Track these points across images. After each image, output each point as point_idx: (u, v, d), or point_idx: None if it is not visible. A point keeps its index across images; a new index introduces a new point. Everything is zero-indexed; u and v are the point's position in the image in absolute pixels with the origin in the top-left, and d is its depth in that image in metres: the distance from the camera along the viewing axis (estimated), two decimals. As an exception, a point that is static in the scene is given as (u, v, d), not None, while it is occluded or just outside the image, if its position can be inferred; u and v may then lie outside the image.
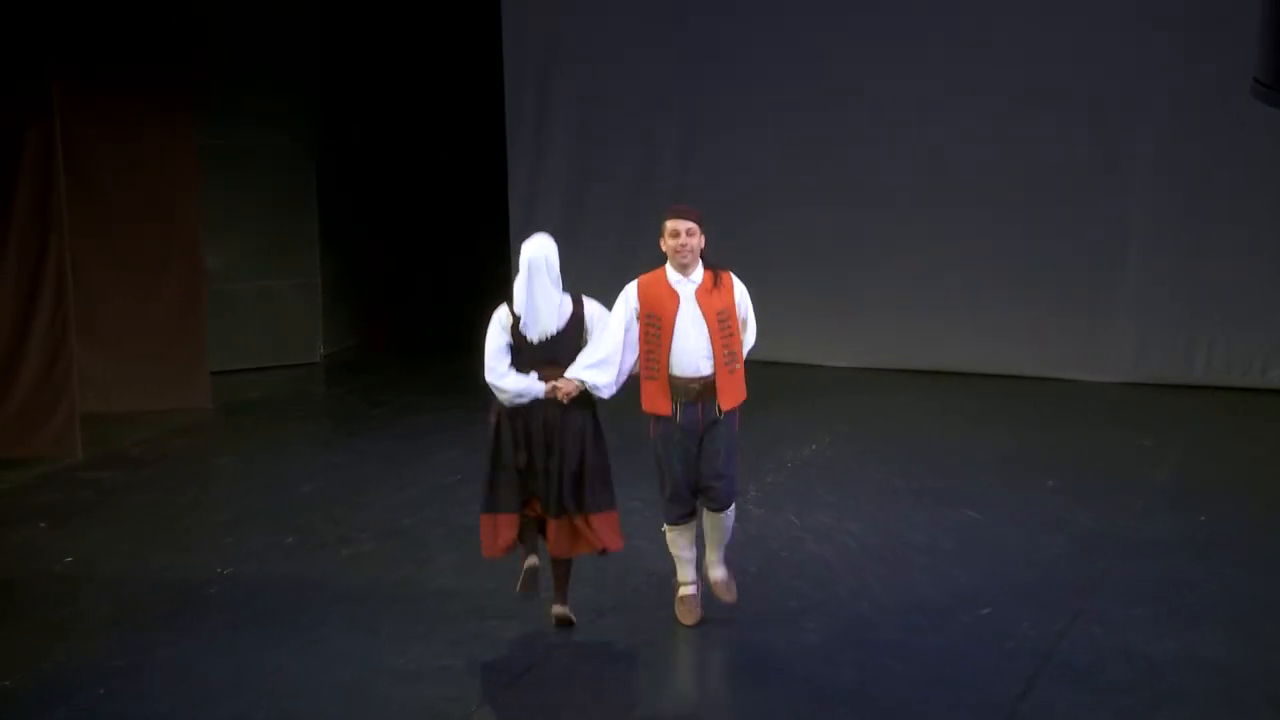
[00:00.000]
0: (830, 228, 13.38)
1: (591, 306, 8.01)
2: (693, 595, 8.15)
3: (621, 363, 7.90)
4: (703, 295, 7.89)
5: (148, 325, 12.27)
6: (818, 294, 13.44)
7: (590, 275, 13.62)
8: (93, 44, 11.86)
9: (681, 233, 7.88)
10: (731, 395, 7.93)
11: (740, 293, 7.99)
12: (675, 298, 7.88)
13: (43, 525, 9.85)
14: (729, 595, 8.17)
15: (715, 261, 7.98)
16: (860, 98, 13.17)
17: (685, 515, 8.06)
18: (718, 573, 8.18)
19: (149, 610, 8.43)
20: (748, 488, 10.19)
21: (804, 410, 12.22)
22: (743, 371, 7.99)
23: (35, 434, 11.07)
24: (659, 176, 13.74)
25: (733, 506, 8.10)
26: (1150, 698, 7.27)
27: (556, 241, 8.06)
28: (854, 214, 13.31)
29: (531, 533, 8.04)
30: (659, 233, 7.96)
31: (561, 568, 8.09)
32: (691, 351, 7.87)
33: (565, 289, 7.98)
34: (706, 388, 7.89)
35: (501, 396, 7.89)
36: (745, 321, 8.02)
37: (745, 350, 8.04)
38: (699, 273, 7.93)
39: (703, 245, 7.92)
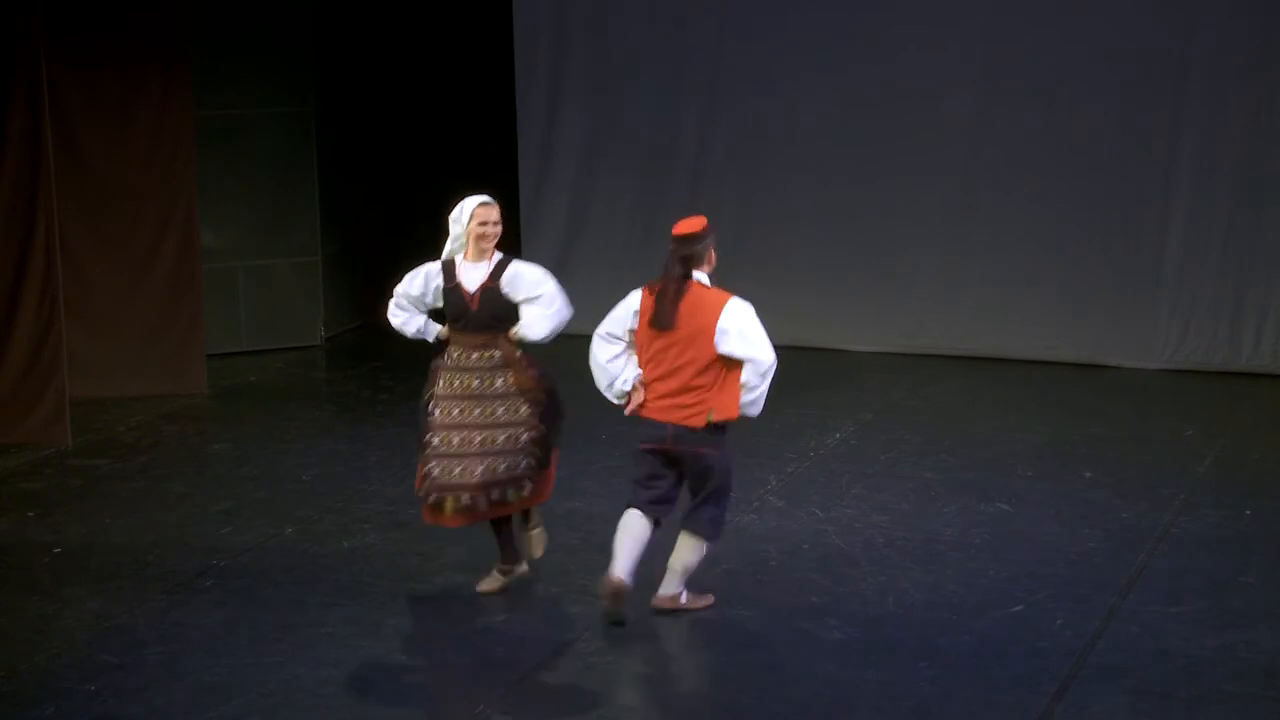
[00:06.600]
0: (857, 206, 13.34)
1: None
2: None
3: None
4: None
5: (140, 306, 12.31)
6: (842, 275, 13.41)
7: (604, 251, 13.77)
8: (83, 11, 11.89)
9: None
10: None
11: None
12: None
13: (30, 515, 9.90)
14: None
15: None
16: (893, 68, 13.15)
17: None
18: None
19: (140, 605, 8.48)
20: (768, 477, 10.24)
21: (827, 397, 12.23)
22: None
23: (23, 419, 11.10)
24: (678, 145, 13.75)
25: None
26: (1189, 699, 7.31)
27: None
28: (882, 192, 13.27)
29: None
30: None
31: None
32: None
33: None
34: None
35: None
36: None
37: None
38: None
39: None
